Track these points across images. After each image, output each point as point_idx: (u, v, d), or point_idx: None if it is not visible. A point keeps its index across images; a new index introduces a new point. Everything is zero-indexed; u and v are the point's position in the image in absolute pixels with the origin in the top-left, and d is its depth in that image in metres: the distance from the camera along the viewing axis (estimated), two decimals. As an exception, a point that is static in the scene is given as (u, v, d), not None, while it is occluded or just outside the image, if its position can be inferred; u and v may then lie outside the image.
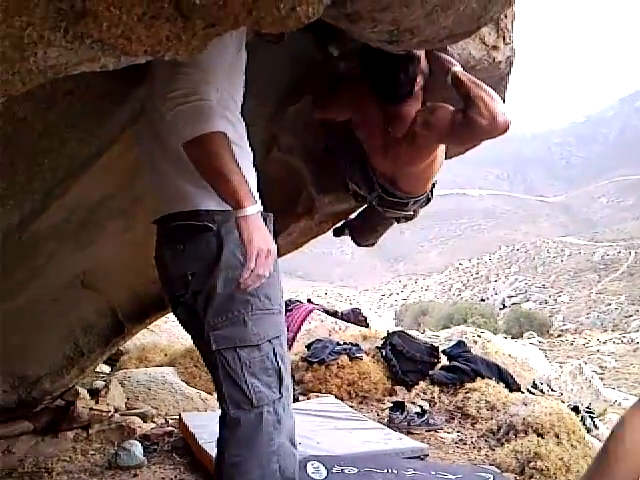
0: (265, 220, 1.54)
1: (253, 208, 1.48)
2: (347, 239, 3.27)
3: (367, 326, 6.81)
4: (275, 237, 1.64)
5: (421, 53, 2.10)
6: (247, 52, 1.65)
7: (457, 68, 2.06)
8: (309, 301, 7.55)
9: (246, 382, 1.59)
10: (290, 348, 4.88)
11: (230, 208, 1.50)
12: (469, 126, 2.03)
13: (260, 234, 1.48)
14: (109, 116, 1.80)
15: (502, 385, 4.18)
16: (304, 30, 1.13)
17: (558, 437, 3.22)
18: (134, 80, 1.67)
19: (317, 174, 2.78)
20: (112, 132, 1.87)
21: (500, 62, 2.22)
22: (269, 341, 1.63)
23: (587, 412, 4.38)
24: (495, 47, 2.14)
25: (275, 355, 1.63)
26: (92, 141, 1.83)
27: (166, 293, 1.79)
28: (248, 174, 1.59)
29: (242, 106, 1.67)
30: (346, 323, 6.82)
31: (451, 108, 2.14)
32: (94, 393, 3.75)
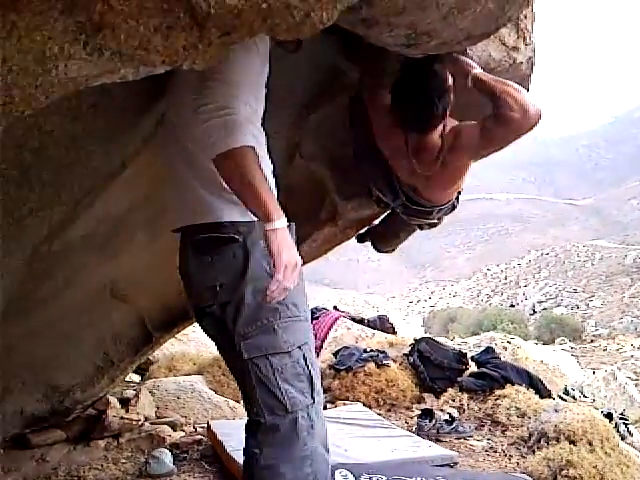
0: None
1: (281, 222, 1.50)
2: (373, 245, 3.25)
3: (394, 333, 6.75)
4: (298, 245, 1.65)
5: (451, 81, 2.08)
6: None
7: (477, 70, 2.04)
8: (335, 308, 7.54)
9: (279, 388, 1.60)
10: (317, 356, 4.86)
11: (253, 219, 1.54)
12: (502, 125, 1.99)
13: (288, 248, 1.50)
14: (133, 128, 1.83)
15: (532, 391, 4.10)
16: (325, 37, 1.14)
17: (591, 444, 3.13)
18: (156, 92, 1.70)
19: (340, 180, 2.78)
20: (136, 144, 1.91)
21: (521, 63, 2.20)
22: (299, 347, 1.64)
23: (621, 419, 4.28)
24: (515, 48, 2.12)
25: (305, 360, 1.65)
26: (117, 153, 1.87)
27: (191, 304, 1.81)
28: (271, 186, 1.62)
29: (262, 115, 1.69)
30: (373, 330, 6.78)
31: (473, 122, 2.13)
32: (124, 402, 3.80)
